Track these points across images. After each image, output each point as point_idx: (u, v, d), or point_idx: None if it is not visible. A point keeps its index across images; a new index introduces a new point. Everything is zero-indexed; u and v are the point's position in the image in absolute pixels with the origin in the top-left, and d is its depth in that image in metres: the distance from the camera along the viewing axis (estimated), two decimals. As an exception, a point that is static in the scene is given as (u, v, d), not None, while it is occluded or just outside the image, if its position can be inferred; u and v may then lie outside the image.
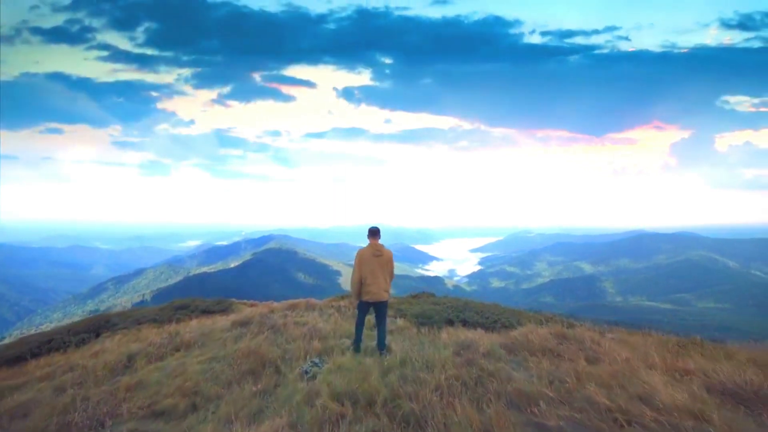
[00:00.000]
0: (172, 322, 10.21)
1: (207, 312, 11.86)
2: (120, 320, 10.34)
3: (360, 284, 5.10)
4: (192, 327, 8.91)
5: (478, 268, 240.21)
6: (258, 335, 6.46)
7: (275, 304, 10.17)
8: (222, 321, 9.05)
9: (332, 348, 5.47)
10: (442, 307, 8.21)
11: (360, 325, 5.40)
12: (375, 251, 5.09)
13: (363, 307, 5.30)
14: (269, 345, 5.68)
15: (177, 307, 11.72)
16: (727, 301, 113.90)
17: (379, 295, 5.07)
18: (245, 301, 16.38)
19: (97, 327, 9.51)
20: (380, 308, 5.22)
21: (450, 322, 7.27)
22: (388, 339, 5.69)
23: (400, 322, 7.10)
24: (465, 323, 7.53)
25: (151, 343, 6.46)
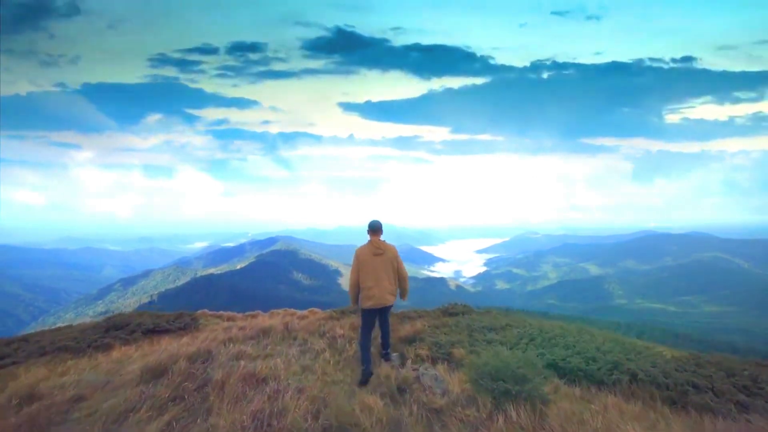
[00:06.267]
0: (88, 351, 7.01)
1: (155, 332, 8.59)
2: (12, 350, 7.07)
3: (357, 288, 4.33)
4: (101, 366, 5.70)
5: (484, 269, 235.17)
6: (162, 411, 3.14)
7: (238, 329, 6.90)
8: (149, 357, 5.80)
9: None
10: (514, 344, 4.72)
11: (366, 342, 4.27)
12: (375, 249, 4.29)
13: (368, 318, 4.35)
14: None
15: (110, 327, 8.42)
16: (739, 303, 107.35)
17: (383, 299, 4.24)
18: (221, 312, 13.18)
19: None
20: (383, 313, 4.44)
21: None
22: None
23: (446, 379, 3.47)
24: (564, 376, 4.13)
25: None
